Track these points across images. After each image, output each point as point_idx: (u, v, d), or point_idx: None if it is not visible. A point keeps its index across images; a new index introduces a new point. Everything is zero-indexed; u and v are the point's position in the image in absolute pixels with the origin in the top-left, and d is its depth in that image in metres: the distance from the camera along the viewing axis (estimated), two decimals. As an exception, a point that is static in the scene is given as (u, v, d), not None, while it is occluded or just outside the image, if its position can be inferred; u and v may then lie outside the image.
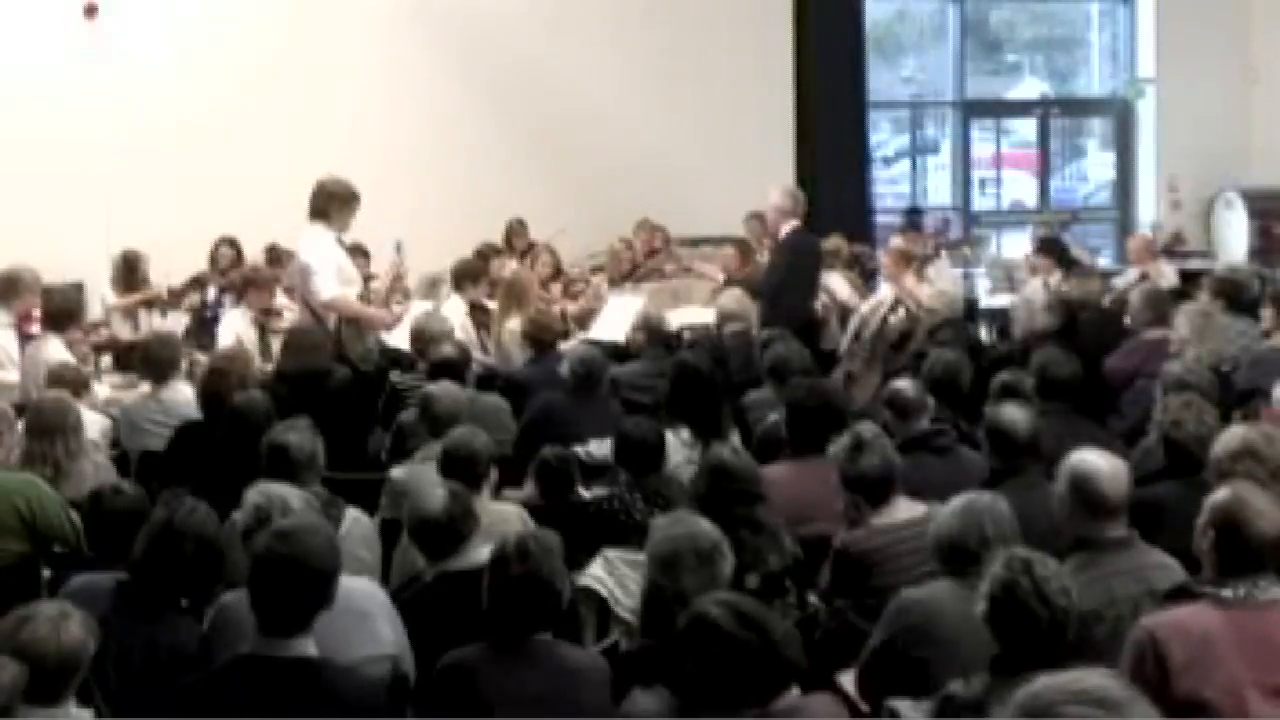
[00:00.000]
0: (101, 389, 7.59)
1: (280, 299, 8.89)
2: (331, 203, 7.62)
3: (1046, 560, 3.51)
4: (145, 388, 7.00)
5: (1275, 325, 6.99)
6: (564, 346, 7.84)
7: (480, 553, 4.28)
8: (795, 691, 3.33)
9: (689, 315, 9.39)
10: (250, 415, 5.66)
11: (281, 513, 4.16)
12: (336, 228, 7.69)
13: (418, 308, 8.59)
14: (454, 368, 6.64)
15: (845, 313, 9.33)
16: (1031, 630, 3.37)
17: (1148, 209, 14.69)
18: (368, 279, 8.25)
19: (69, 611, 3.41)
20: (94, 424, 6.38)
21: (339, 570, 3.66)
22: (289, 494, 4.27)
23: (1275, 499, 4.14)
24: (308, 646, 3.53)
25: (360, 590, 4.08)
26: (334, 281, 7.59)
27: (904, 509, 4.67)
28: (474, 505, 4.54)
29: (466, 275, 9.11)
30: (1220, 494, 3.73)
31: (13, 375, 7.31)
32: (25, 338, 7.72)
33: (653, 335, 7.78)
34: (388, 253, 8.47)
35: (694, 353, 7.02)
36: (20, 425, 5.63)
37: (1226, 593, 3.58)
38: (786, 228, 8.86)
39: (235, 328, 8.56)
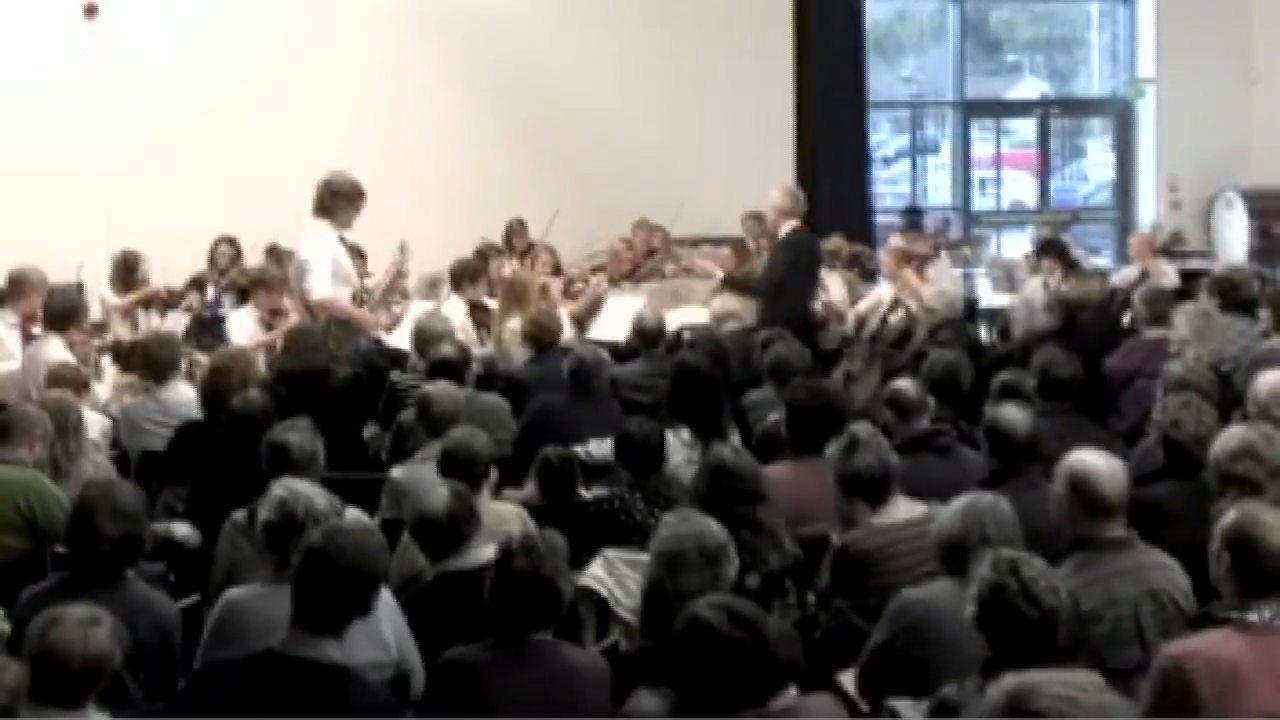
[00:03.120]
0: (102, 389, 7.59)
1: (284, 300, 8.89)
2: (336, 200, 7.66)
3: (1033, 560, 3.49)
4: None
5: (1274, 326, 6.99)
6: (565, 339, 7.82)
7: (481, 553, 4.28)
8: (792, 691, 3.34)
9: (689, 315, 9.39)
10: (248, 416, 5.66)
11: (306, 510, 4.17)
12: (339, 225, 7.72)
13: (418, 308, 8.59)
14: (454, 368, 6.64)
15: (838, 315, 9.33)
16: (1021, 630, 3.35)
17: (1148, 209, 14.68)
18: (364, 279, 8.24)
19: (100, 617, 3.41)
20: (94, 424, 6.38)
21: (380, 580, 3.70)
22: (314, 493, 4.28)
23: (1275, 500, 4.15)
24: (336, 651, 3.54)
25: None
26: (327, 281, 7.60)
27: (903, 509, 4.67)
28: (476, 506, 4.54)
29: (466, 275, 9.11)
30: (1230, 515, 3.65)
31: (15, 372, 7.31)
32: (29, 338, 7.72)
33: (650, 336, 7.77)
34: (391, 252, 8.46)
35: (694, 353, 7.02)
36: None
37: (1251, 616, 3.49)
38: (786, 227, 8.85)
39: (245, 328, 8.56)
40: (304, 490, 4.27)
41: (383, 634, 4.02)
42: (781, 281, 8.69)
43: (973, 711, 2.99)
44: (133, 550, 4.19)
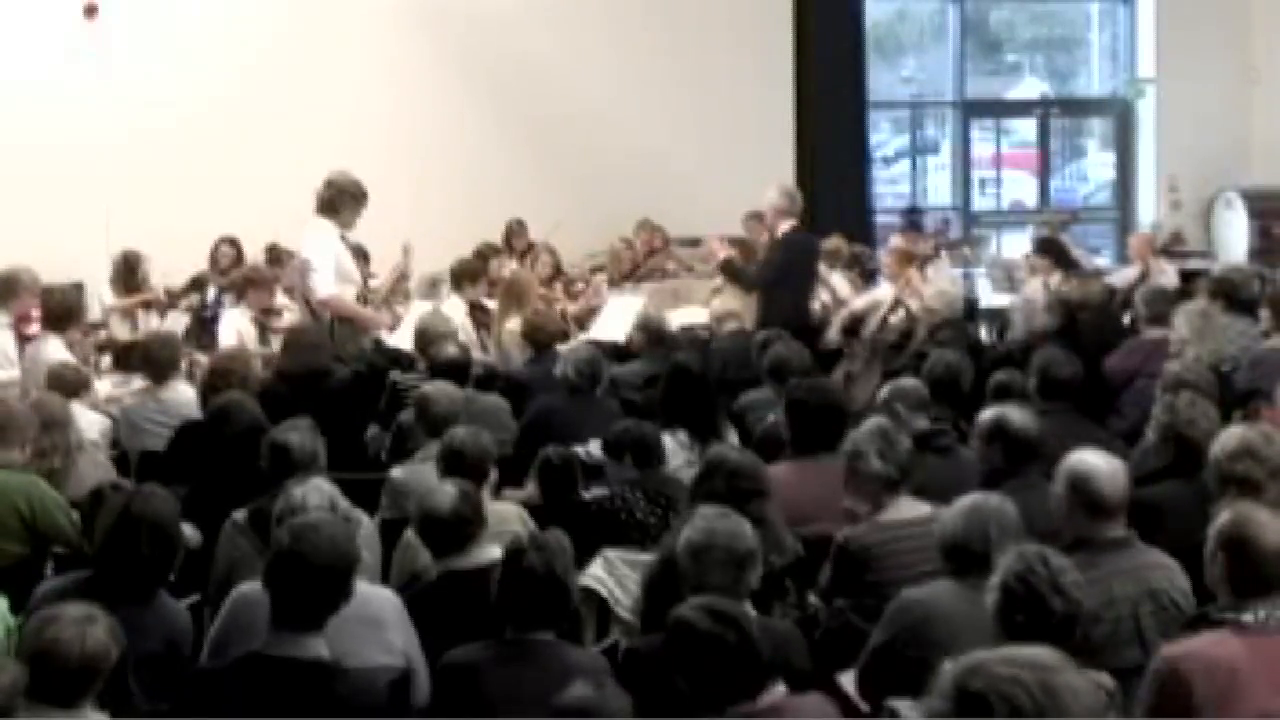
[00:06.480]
0: (102, 387, 7.60)
1: (280, 298, 8.89)
2: (341, 199, 7.68)
3: (1059, 555, 3.51)
4: (138, 382, 7.02)
5: (1274, 326, 6.99)
6: (563, 347, 7.82)
7: (484, 552, 4.28)
8: (781, 689, 3.34)
9: (689, 315, 9.38)
10: (226, 409, 5.65)
11: (295, 510, 4.18)
12: (342, 225, 7.73)
13: (418, 308, 8.60)
14: (456, 368, 6.65)
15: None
16: (1043, 622, 3.35)
17: (1148, 209, 14.68)
18: (367, 279, 8.26)
19: (95, 616, 3.40)
20: (94, 424, 6.38)
21: (353, 569, 3.68)
22: (321, 491, 4.31)
23: (1275, 500, 4.15)
24: (319, 646, 3.54)
25: (377, 597, 4.09)
26: (332, 279, 7.62)
27: (906, 508, 4.66)
28: (482, 505, 4.54)
29: (466, 275, 9.11)
30: (1223, 517, 3.64)
31: (12, 374, 7.31)
32: (24, 339, 7.72)
33: (652, 336, 7.78)
34: (393, 254, 8.49)
35: (686, 354, 7.00)
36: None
37: (1247, 617, 3.48)
38: (784, 227, 8.84)
39: (236, 327, 8.56)
40: (314, 489, 4.31)
41: (393, 642, 4.00)
42: (776, 281, 8.67)
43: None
44: (166, 569, 4.19)
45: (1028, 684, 2.33)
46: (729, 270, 9.04)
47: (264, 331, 8.52)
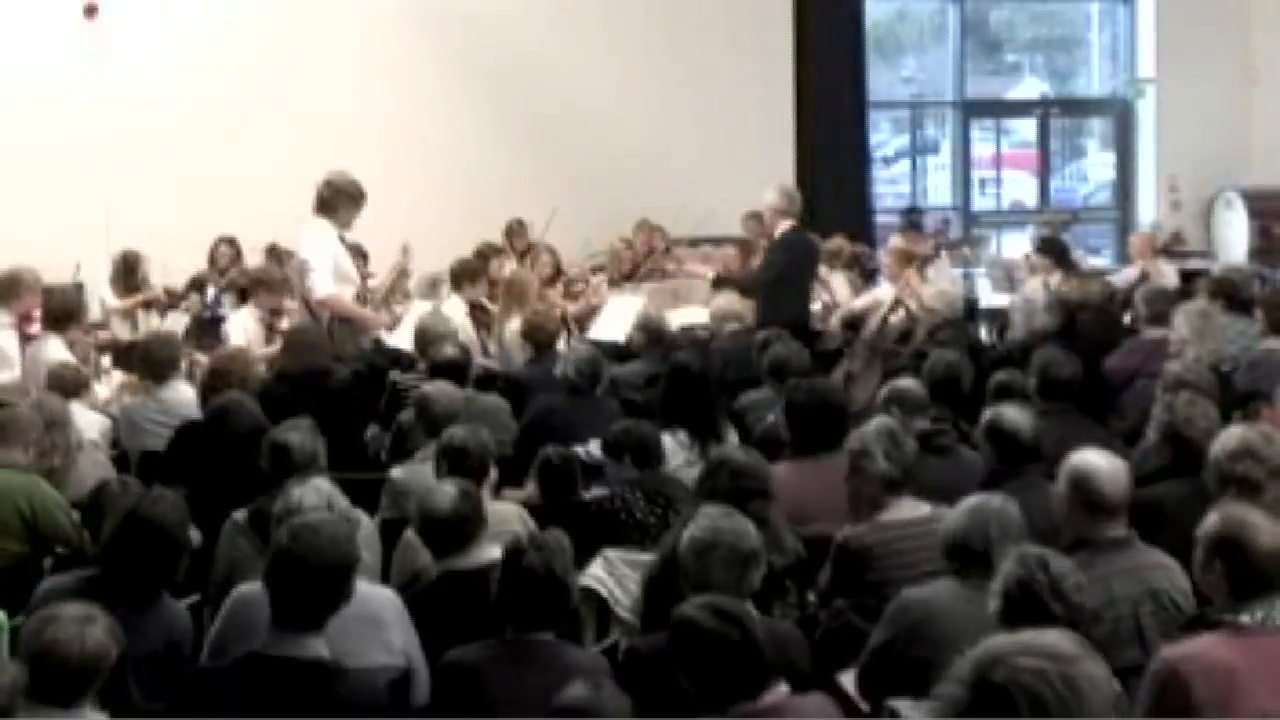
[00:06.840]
0: (102, 389, 7.60)
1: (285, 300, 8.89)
2: (339, 198, 7.69)
3: (1060, 557, 3.51)
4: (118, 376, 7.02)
5: (1269, 328, 6.99)
6: (560, 346, 7.82)
7: (484, 552, 4.28)
8: (783, 688, 3.35)
9: (689, 315, 9.38)
10: (225, 409, 5.65)
11: (295, 510, 4.19)
12: (340, 224, 7.74)
13: (418, 308, 8.60)
14: (456, 368, 6.65)
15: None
16: (1044, 627, 3.35)
17: (1148, 209, 14.68)
18: (365, 279, 8.26)
19: (94, 615, 3.40)
20: (94, 424, 6.38)
21: (353, 569, 3.68)
22: (318, 491, 4.31)
23: (1274, 500, 4.15)
24: (319, 646, 3.54)
25: (377, 596, 4.09)
26: (330, 279, 7.63)
27: (908, 508, 4.67)
28: (483, 505, 4.54)
29: (466, 275, 9.11)
30: (1213, 520, 3.63)
31: (14, 375, 7.32)
32: (25, 338, 7.73)
33: (652, 336, 7.79)
34: (393, 254, 8.49)
35: (687, 353, 7.00)
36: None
37: (1245, 618, 3.48)
38: (782, 227, 8.83)
39: (244, 328, 8.56)
40: (311, 489, 4.31)
41: (393, 642, 4.01)
42: (776, 281, 8.67)
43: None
44: (171, 572, 4.19)
45: (1050, 677, 2.32)
46: (725, 284, 9.06)
47: (271, 333, 8.51)
